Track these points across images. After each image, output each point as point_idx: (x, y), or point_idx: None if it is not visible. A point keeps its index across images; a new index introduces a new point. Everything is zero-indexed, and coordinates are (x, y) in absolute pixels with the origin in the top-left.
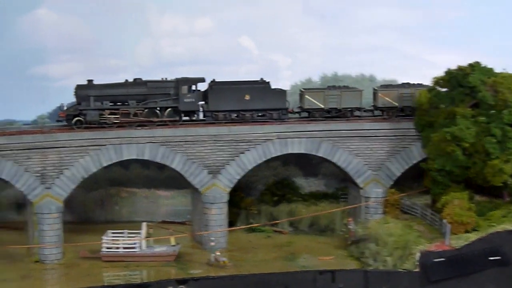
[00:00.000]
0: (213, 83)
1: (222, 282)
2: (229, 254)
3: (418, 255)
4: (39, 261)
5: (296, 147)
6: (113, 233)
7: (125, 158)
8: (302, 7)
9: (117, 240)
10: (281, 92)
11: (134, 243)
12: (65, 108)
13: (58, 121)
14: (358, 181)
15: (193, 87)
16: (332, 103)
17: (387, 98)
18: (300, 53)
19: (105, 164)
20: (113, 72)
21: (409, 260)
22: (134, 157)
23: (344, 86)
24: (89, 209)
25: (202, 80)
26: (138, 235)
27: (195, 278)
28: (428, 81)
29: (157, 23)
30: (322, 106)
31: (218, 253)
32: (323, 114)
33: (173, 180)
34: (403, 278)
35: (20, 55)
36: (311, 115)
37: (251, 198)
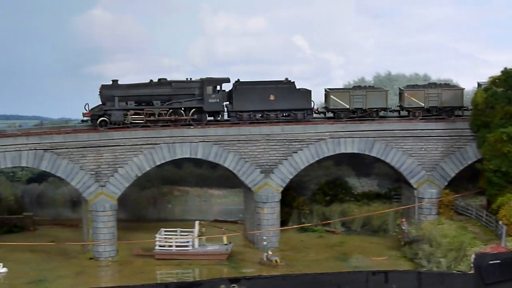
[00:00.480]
0: (237, 83)
1: (274, 282)
2: (281, 254)
3: (472, 257)
4: (94, 258)
5: (349, 146)
6: (166, 231)
7: (178, 156)
8: (355, 7)
9: (170, 238)
10: (306, 92)
11: (187, 242)
12: (89, 108)
13: (83, 121)
14: (412, 181)
15: (218, 87)
16: (358, 103)
17: (413, 98)
18: (353, 52)
19: (158, 163)
20: (166, 71)
21: (464, 262)
22: (187, 156)
23: (370, 86)
24: (142, 207)
25: (227, 80)
26: (191, 233)
27: (247, 277)
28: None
29: (210, 23)
30: (347, 107)
31: (270, 252)
32: (349, 115)
33: (226, 179)
34: (457, 280)
35: (76, 55)
36: (336, 115)
37: (303, 197)
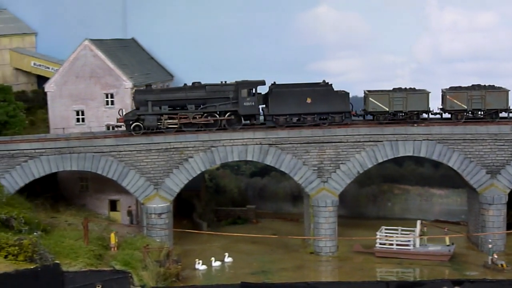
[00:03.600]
0: (273, 86)
1: (500, 286)
2: (508, 258)
3: None
4: (314, 252)
5: None
6: (387, 229)
7: (401, 154)
8: None
9: (391, 236)
10: (344, 95)
11: (408, 241)
12: (123, 113)
13: (116, 126)
14: None
15: (253, 91)
16: (398, 106)
17: (455, 101)
18: None
19: (380, 160)
20: (390, 68)
21: None
22: (410, 154)
23: (410, 88)
24: (362, 204)
25: (262, 83)
26: (412, 232)
27: (471, 280)
28: None
29: (436, 18)
30: (387, 109)
31: (495, 256)
32: (388, 117)
33: (448, 179)
34: None
35: (301, 51)
36: (376, 118)
37: None
